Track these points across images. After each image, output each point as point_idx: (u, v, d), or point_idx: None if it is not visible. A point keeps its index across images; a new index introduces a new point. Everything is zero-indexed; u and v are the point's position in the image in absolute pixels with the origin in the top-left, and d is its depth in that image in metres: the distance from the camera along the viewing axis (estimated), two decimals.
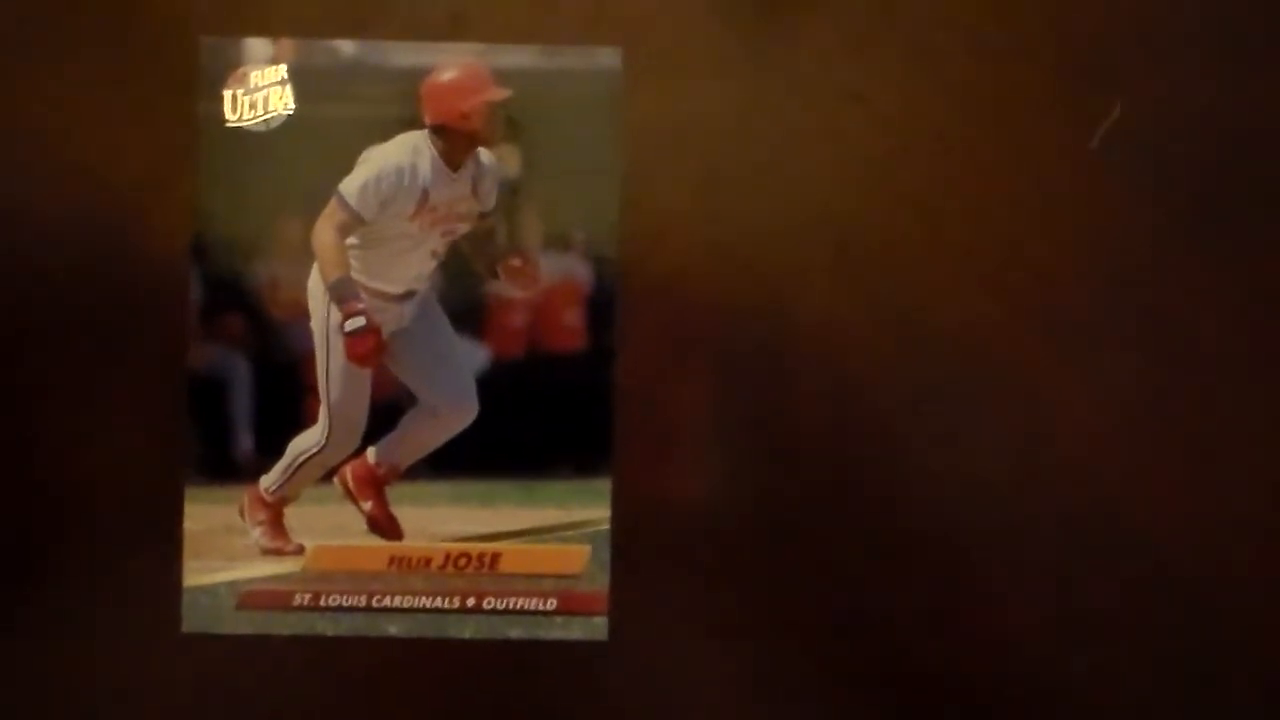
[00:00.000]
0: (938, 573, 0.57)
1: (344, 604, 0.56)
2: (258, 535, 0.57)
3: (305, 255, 0.56)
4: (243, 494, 0.57)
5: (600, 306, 0.57)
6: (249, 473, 0.56)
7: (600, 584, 0.56)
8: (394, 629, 0.56)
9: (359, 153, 0.56)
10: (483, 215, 0.57)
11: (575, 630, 0.56)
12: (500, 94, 0.56)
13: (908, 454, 0.57)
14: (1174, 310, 0.57)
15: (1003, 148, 0.57)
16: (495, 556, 0.57)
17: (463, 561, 0.56)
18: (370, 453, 0.57)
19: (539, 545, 0.57)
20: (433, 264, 0.57)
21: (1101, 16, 0.57)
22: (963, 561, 0.57)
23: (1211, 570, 0.57)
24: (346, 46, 0.56)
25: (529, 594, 0.56)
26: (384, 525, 0.57)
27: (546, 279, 0.57)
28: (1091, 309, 0.57)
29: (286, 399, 0.57)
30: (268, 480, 0.57)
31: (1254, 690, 0.57)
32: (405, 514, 0.57)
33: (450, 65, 0.56)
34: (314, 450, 0.57)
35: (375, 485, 0.57)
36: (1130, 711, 0.57)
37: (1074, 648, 0.57)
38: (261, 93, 0.56)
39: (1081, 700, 0.57)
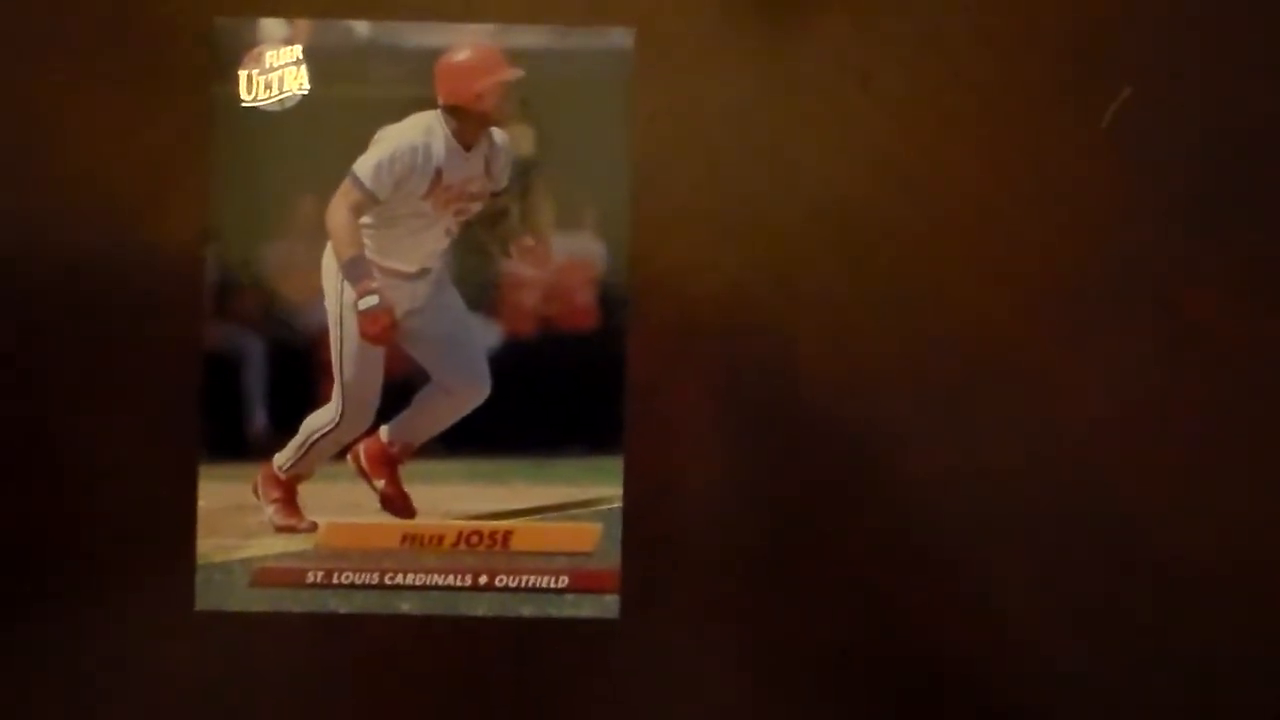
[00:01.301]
0: (943, 560, 0.57)
1: (356, 581, 0.56)
2: (271, 513, 0.57)
3: (319, 234, 0.56)
4: (256, 472, 0.57)
5: (612, 286, 0.57)
6: (263, 451, 0.57)
7: (612, 562, 0.57)
8: (406, 606, 0.56)
9: (373, 133, 0.56)
10: (495, 195, 0.57)
11: (586, 608, 0.57)
12: (513, 74, 0.56)
13: (914, 439, 0.57)
14: (1183, 300, 0.57)
15: (1011, 135, 0.57)
16: (507, 534, 0.57)
17: (475, 539, 0.57)
18: (383, 431, 0.57)
19: (551, 523, 0.57)
20: (446, 243, 0.57)
21: (1109, 2, 0.57)
22: (968, 550, 0.57)
23: (1220, 558, 0.57)
24: (361, 27, 0.57)
25: (541, 572, 0.57)
26: (396, 503, 0.57)
27: (559, 258, 0.57)
28: (1100, 298, 0.57)
29: (300, 377, 0.57)
30: (281, 458, 0.57)
31: (1260, 686, 0.57)
32: (418, 492, 0.57)
33: (464, 45, 0.56)
34: (327, 428, 0.57)
35: (388, 463, 0.57)
36: (1136, 706, 0.57)
37: (1080, 641, 0.57)
38: (276, 73, 0.56)
39: (1087, 694, 0.57)
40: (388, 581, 0.56)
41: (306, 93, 0.56)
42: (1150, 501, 0.57)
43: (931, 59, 0.57)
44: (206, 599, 0.56)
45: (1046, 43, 0.57)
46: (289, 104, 0.56)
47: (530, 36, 0.57)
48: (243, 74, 0.56)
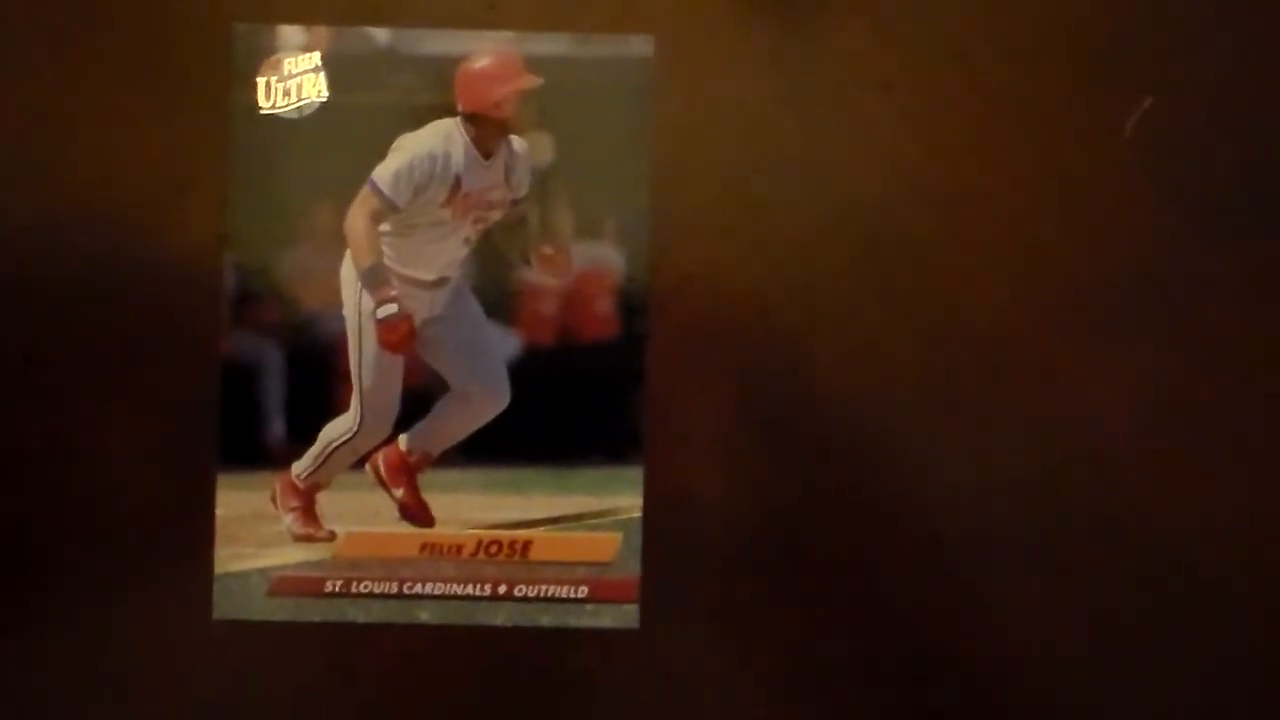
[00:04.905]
0: (960, 569, 0.57)
1: (375, 591, 0.56)
2: (289, 522, 0.57)
3: (338, 242, 0.56)
4: (274, 481, 0.57)
5: (631, 294, 0.57)
6: (281, 460, 0.56)
7: (631, 572, 0.56)
8: (425, 616, 0.56)
9: (392, 140, 0.56)
10: (515, 202, 0.57)
11: (606, 618, 0.56)
12: (533, 82, 0.56)
13: (933, 449, 0.57)
14: (1199, 307, 0.57)
15: (1031, 143, 0.57)
16: (526, 544, 0.57)
17: (494, 549, 0.57)
18: (402, 440, 0.57)
19: (570, 533, 0.57)
20: (465, 251, 0.57)
21: (1127, 11, 0.57)
22: (985, 558, 0.57)
23: (1237, 569, 0.57)
24: (380, 34, 0.56)
25: (560, 581, 0.57)
26: (415, 512, 0.57)
27: (578, 267, 0.57)
28: (1117, 306, 0.57)
29: (318, 386, 0.57)
30: (299, 467, 0.57)
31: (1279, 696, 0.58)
32: (436, 501, 0.57)
33: (483, 53, 0.56)
34: (346, 437, 0.57)
35: (407, 472, 0.57)
36: (1153, 711, 0.57)
37: (1096, 646, 0.57)
38: (295, 80, 0.56)
39: (1104, 699, 0.57)
40: (406, 591, 0.56)
41: (325, 100, 0.56)
42: (1169, 512, 0.57)
43: (951, 67, 0.57)
44: (224, 608, 0.56)
45: (1066, 52, 0.57)
46: (307, 111, 0.56)
47: (550, 44, 0.57)
48: (261, 81, 0.56)
